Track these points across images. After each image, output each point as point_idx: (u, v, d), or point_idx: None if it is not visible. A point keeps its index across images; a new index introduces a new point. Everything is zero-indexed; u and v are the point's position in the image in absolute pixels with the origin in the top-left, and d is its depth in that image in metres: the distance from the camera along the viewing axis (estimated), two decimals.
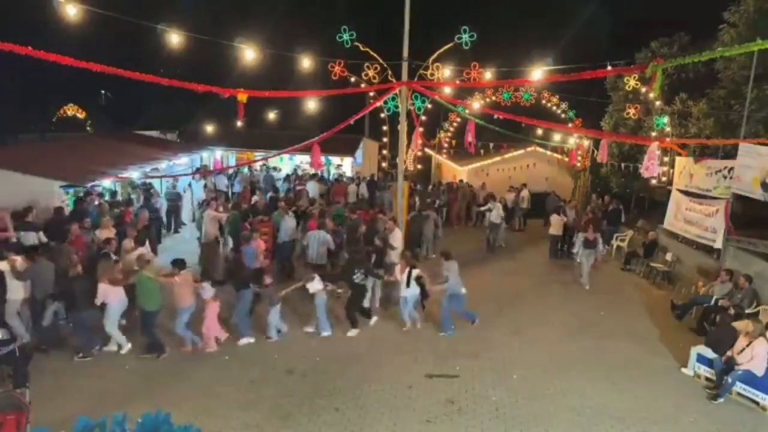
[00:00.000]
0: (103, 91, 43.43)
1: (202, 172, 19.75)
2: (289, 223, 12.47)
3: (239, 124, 12.14)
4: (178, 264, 8.85)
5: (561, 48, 22.82)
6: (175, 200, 16.22)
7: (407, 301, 9.90)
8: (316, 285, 9.43)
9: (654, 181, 16.21)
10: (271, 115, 26.59)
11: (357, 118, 13.04)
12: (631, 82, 17.01)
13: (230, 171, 20.93)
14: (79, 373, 8.04)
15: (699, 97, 15.87)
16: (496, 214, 15.69)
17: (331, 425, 7.01)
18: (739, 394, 8.04)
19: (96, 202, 13.31)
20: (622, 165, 18.62)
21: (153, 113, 33.24)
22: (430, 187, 21.42)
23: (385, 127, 18.47)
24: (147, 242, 10.44)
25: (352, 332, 9.77)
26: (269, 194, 16.92)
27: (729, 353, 8.16)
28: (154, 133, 24.79)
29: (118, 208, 13.26)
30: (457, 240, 17.16)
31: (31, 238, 10.17)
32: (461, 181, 21.39)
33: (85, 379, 7.87)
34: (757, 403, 7.87)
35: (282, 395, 7.67)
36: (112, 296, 8.51)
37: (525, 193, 19.31)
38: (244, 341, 9.23)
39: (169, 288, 8.79)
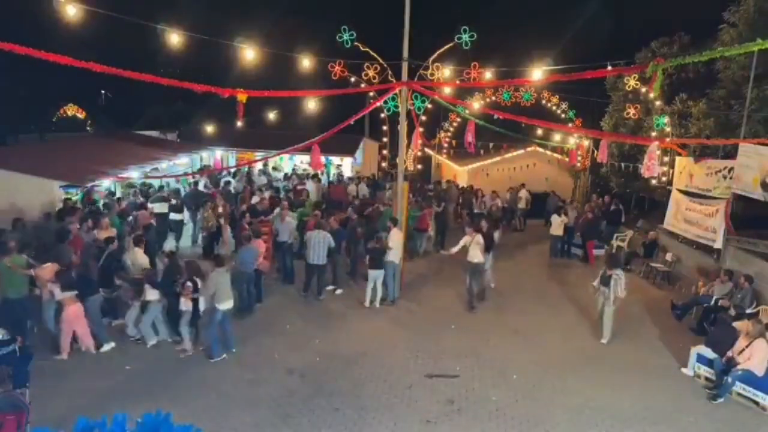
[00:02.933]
0: (103, 91, 43.41)
1: (203, 172, 19.75)
2: (291, 224, 12.40)
3: (239, 124, 12.12)
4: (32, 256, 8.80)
5: (561, 48, 22.84)
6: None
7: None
8: (151, 294, 8.80)
9: (654, 181, 16.22)
10: (271, 115, 26.59)
11: (357, 118, 13.03)
12: (631, 82, 17.02)
13: (230, 171, 20.90)
14: (79, 373, 8.03)
15: (699, 97, 15.88)
16: (475, 252, 11.02)
17: (331, 425, 7.01)
18: (739, 394, 8.03)
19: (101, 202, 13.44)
20: (622, 165, 18.63)
21: (153, 113, 33.26)
22: (430, 186, 21.47)
23: (385, 127, 18.46)
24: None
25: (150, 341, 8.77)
26: (267, 194, 16.84)
27: (729, 353, 8.17)
28: (154, 133, 24.80)
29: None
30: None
31: None
32: (449, 181, 21.45)
33: (85, 379, 7.87)
34: (757, 403, 7.87)
35: (282, 395, 7.67)
36: None
37: (523, 193, 19.30)
38: (106, 347, 8.72)
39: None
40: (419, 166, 19.29)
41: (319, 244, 11.07)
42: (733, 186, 11.95)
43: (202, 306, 8.72)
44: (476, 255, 11.01)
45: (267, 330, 9.85)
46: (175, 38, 9.28)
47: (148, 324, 8.90)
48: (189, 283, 8.59)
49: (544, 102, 21.11)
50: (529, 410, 7.54)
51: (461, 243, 11.24)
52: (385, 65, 13.13)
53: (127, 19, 9.15)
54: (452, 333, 10.09)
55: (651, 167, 11.22)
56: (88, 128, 40.22)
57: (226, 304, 8.66)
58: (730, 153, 13.23)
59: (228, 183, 18.05)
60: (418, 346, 9.41)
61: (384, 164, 25.01)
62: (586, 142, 20.96)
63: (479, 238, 11.08)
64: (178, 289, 8.66)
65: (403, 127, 12.15)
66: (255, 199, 15.15)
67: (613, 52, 15.61)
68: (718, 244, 12.38)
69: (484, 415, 7.39)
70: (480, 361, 8.93)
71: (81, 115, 42.40)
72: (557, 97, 21.03)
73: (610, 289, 9.51)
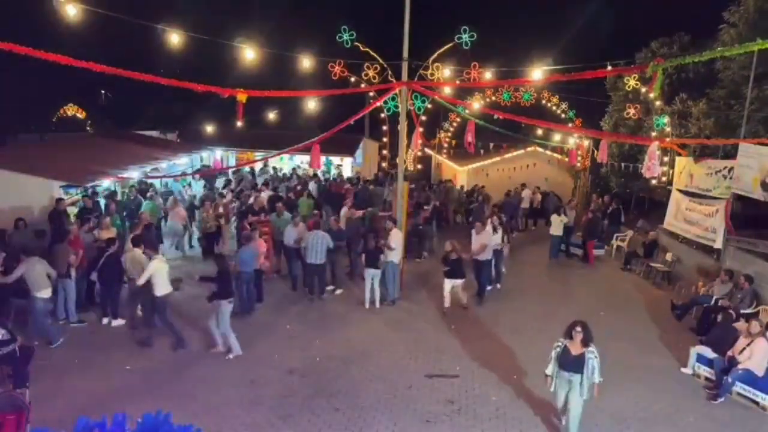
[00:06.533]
0: (103, 91, 43.47)
1: (203, 172, 19.75)
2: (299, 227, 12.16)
3: (239, 124, 12.11)
4: None
5: (561, 48, 22.86)
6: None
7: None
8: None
9: (654, 181, 16.22)
10: (271, 115, 26.65)
11: (357, 118, 13.03)
12: (631, 82, 17.03)
13: (230, 171, 20.91)
14: (79, 373, 8.03)
15: (699, 97, 15.89)
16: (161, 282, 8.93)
17: (331, 425, 7.01)
18: (739, 394, 8.03)
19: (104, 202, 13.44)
20: (622, 165, 18.63)
21: (153, 113, 33.29)
22: (430, 186, 21.49)
23: (385, 127, 18.47)
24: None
25: None
26: (264, 193, 16.73)
27: (730, 353, 8.17)
28: (154, 133, 24.84)
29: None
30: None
31: None
32: (449, 181, 21.44)
33: (85, 379, 7.87)
34: (757, 403, 7.87)
35: (282, 395, 7.67)
36: None
37: (526, 193, 19.28)
38: None
39: None
40: (419, 166, 19.30)
41: (318, 244, 11.07)
42: (733, 186, 11.94)
43: None
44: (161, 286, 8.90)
45: (267, 330, 9.86)
46: (175, 38, 9.28)
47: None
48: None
49: (544, 102, 21.12)
50: (529, 410, 7.53)
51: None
52: (385, 65, 13.14)
53: (127, 19, 9.15)
54: (452, 333, 10.08)
55: (651, 167, 11.21)
56: (88, 128, 40.25)
57: (45, 293, 8.70)
58: (730, 153, 13.23)
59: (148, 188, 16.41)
60: (418, 346, 9.42)
61: (384, 164, 25.02)
62: (586, 142, 20.96)
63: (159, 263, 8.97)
64: None
65: (403, 127, 12.15)
66: (251, 199, 15.12)
67: (613, 52, 15.63)
68: (718, 244, 12.37)
69: (484, 415, 7.39)
70: (480, 361, 8.93)
71: (81, 115, 42.47)
72: (557, 97, 21.04)
73: (583, 375, 6.47)
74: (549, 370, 6.79)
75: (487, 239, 11.57)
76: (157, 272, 8.87)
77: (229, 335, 8.71)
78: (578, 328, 6.63)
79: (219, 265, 8.92)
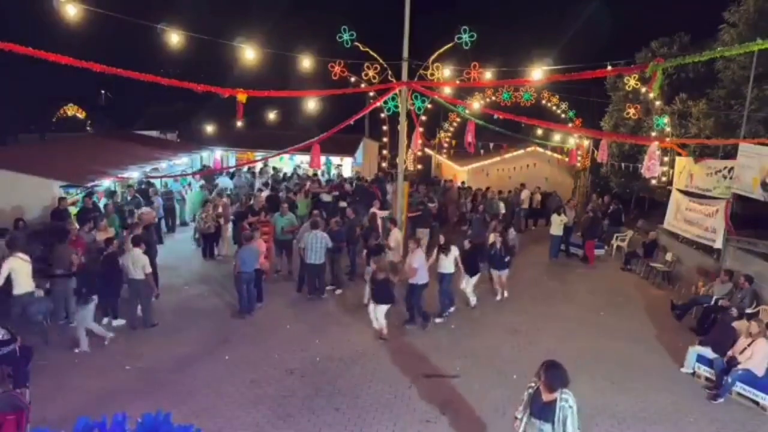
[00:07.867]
0: (103, 91, 43.52)
1: (203, 172, 19.75)
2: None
3: (239, 124, 12.15)
4: None
5: (561, 48, 22.86)
6: (170, 199, 16.15)
7: None
8: None
9: (654, 181, 16.22)
10: (271, 115, 26.70)
11: (357, 118, 13.04)
12: (631, 82, 17.03)
13: (229, 172, 20.90)
14: (79, 372, 8.03)
15: (699, 97, 15.88)
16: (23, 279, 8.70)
17: (331, 425, 7.01)
18: (739, 394, 8.03)
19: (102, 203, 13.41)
20: (622, 165, 18.64)
21: (153, 113, 33.31)
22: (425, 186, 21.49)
23: (385, 127, 18.49)
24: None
25: None
26: (264, 193, 16.72)
27: (731, 353, 8.17)
28: (154, 133, 24.83)
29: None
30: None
31: None
32: (450, 181, 21.42)
33: (85, 379, 7.87)
34: (757, 403, 7.87)
35: (282, 395, 7.67)
36: None
37: (525, 193, 19.26)
38: None
39: None
40: (419, 166, 19.32)
41: (316, 243, 11.06)
42: (733, 186, 11.94)
43: None
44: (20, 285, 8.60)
45: (267, 330, 9.86)
46: (175, 38, 9.29)
47: None
48: None
49: (544, 102, 21.12)
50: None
51: None
52: (385, 65, 13.15)
53: (127, 19, 9.15)
54: (452, 333, 10.08)
55: (651, 167, 11.22)
56: (88, 128, 40.31)
57: None
58: (730, 153, 13.22)
59: (148, 188, 16.29)
60: (418, 346, 9.41)
61: (384, 164, 25.02)
62: (586, 142, 20.97)
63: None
64: None
65: (403, 127, 12.17)
66: (251, 200, 15.13)
67: (613, 52, 15.61)
68: (718, 244, 12.37)
69: (484, 415, 7.38)
70: (480, 361, 8.93)
71: (81, 115, 42.53)
72: (557, 97, 21.04)
73: (554, 426, 5.00)
74: (519, 413, 5.40)
75: (417, 261, 10.02)
76: (15, 270, 8.52)
77: (81, 330, 8.58)
78: (543, 369, 5.11)
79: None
